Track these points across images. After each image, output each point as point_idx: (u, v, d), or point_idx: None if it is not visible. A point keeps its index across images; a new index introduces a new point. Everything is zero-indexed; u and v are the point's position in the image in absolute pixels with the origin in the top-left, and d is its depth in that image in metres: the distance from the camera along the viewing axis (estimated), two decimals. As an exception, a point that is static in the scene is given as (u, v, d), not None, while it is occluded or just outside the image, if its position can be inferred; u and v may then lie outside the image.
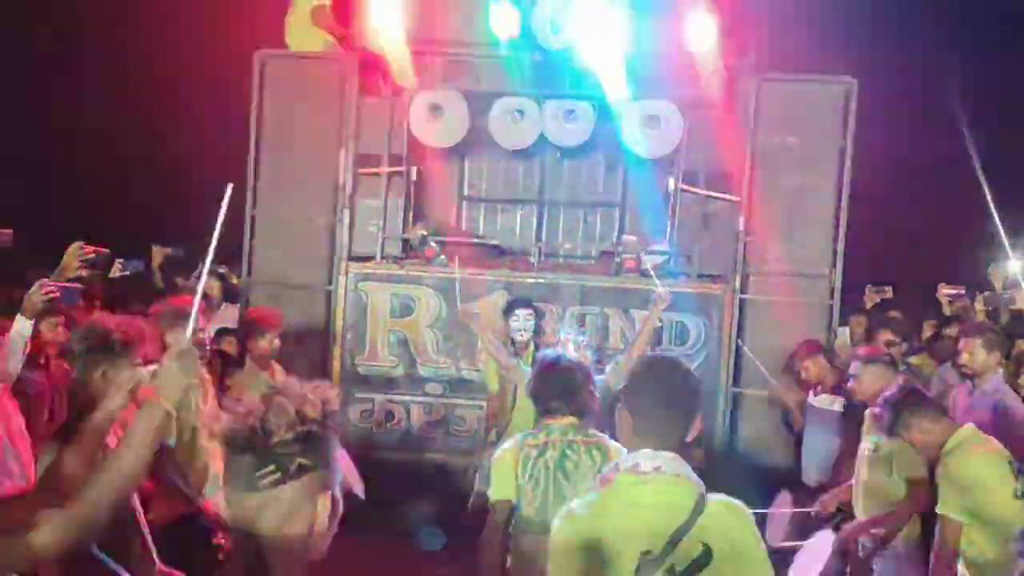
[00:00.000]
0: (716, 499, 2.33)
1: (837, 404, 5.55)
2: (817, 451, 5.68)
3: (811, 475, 5.68)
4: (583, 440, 3.54)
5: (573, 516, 2.36)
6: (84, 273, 4.27)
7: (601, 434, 3.63)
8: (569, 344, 5.23)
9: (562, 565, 2.34)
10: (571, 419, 3.59)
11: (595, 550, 2.27)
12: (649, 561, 2.20)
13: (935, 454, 3.98)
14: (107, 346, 3.22)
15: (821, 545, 4.38)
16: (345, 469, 4.66)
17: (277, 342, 5.60)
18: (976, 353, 5.09)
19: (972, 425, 4.04)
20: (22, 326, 3.85)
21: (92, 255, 4.22)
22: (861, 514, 4.59)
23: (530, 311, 5.87)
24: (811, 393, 5.79)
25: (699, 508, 2.26)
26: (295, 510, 1.64)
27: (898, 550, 4.49)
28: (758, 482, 5.95)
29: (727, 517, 2.31)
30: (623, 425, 2.46)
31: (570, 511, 2.38)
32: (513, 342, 5.80)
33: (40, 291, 3.85)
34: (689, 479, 2.32)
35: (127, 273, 6.85)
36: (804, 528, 4.89)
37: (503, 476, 3.56)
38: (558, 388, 3.61)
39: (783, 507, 5.19)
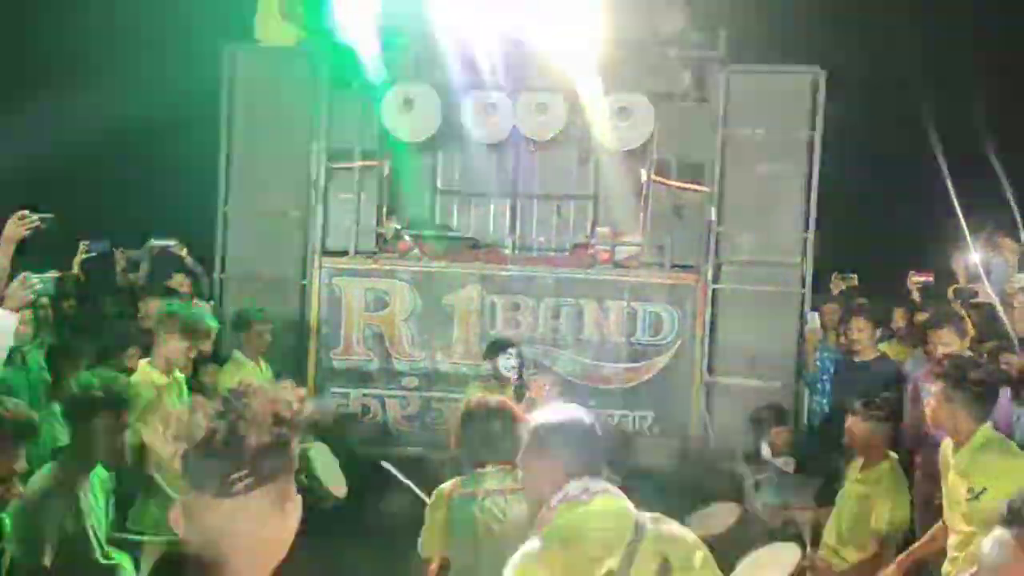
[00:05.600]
0: (648, 517, 2.46)
1: (790, 466, 5.67)
2: (765, 500, 5.73)
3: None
4: (511, 488, 3.38)
5: (537, 558, 2.42)
6: (25, 233, 4.28)
7: None
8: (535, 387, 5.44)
9: None
10: (500, 466, 3.44)
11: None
12: None
13: None
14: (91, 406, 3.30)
15: (786, 555, 4.31)
16: (326, 468, 4.57)
17: (268, 336, 5.71)
18: (950, 342, 5.15)
19: None
20: (7, 321, 3.81)
21: (38, 222, 4.25)
22: None
23: (516, 349, 6.07)
24: (767, 449, 5.89)
25: (642, 523, 2.40)
26: (266, 515, 1.61)
27: None
28: (731, 469, 6.05)
29: (671, 525, 2.47)
30: (542, 469, 2.57)
31: (529, 555, 2.44)
32: (497, 378, 5.98)
33: (23, 284, 3.83)
34: (620, 498, 2.49)
35: (93, 254, 6.81)
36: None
37: (432, 530, 3.49)
38: (481, 436, 3.49)
39: (728, 518, 5.16)
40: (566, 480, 2.50)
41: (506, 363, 6.01)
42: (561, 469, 2.52)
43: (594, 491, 2.47)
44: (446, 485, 3.53)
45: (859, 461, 4.68)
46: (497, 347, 6.12)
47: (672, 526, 2.48)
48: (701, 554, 2.44)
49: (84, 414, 3.34)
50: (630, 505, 2.49)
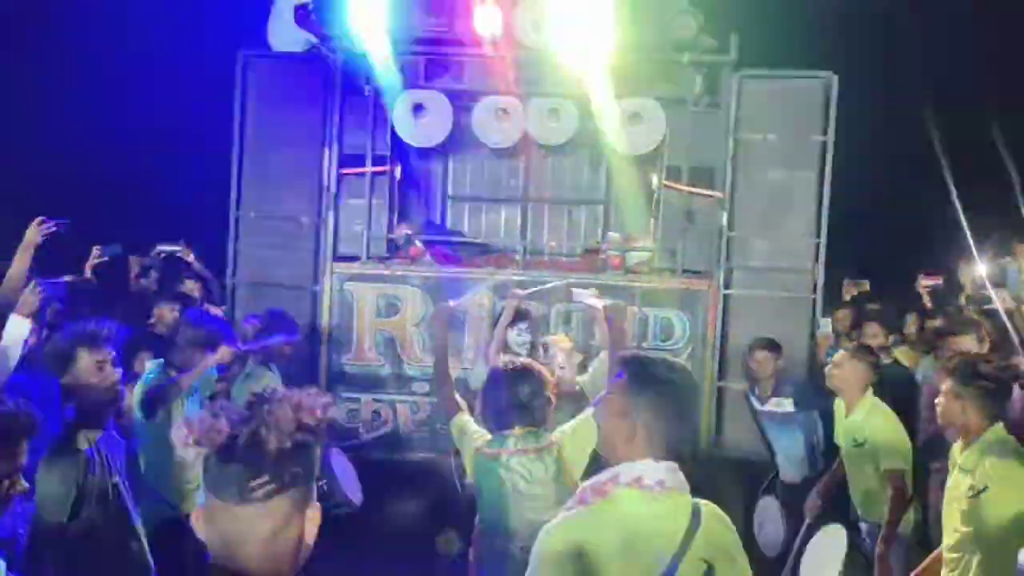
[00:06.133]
0: (705, 510, 2.22)
1: (787, 405, 5.66)
2: (789, 453, 5.75)
3: (790, 475, 5.75)
4: (534, 448, 3.42)
5: (566, 527, 2.19)
6: (41, 239, 4.39)
7: (554, 436, 3.50)
8: (555, 348, 5.27)
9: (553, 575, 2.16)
10: (525, 429, 3.46)
11: (591, 564, 2.11)
12: None
13: None
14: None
15: (836, 540, 4.32)
16: (343, 475, 4.59)
17: (288, 350, 5.75)
18: (970, 350, 5.13)
19: None
20: (20, 327, 3.87)
21: (54, 228, 4.37)
22: None
23: (528, 322, 5.92)
24: (756, 401, 5.88)
25: (695, 523, 2.16)
26: (286, 522, 1.60)
27: None
28: (742, 476, 6.03)
29: (719, 527, 2.24)
30: (620, 431, 2.23)
31: (561, 523, 2.21)
32: (507, 351, 5.81)
33: (35, 291, 3.92)
34: (687, 492, 2.22)
35: (105, 259, 6.84)
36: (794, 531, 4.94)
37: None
38: (508, 399, 3.47)
39: (771, 514, 5.22)
40: (644, 453, 2.20)
41: (517, 337, 5.83)
42: (641, 437, 2.21)
43: (670, 487, 2.18)
44: (474, 441, 3.56)
45: (842, 408, 4.74)
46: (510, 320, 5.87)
47: (722, 526, 2.26)
48: (742, 560, 2.28)
49: (64, 361, 3.39)
50: (687, 501, 2.22)
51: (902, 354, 6.69)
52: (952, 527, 3.69)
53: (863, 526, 4.74)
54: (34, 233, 4.33)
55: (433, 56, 7.02)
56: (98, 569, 3.19)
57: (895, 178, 9.84)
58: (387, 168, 7.00)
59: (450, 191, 7.65)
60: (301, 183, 6.89)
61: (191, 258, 7.35)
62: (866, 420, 4.65)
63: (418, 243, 6.97)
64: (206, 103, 7.56)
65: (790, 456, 5.75)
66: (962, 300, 7.17)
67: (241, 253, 6.92)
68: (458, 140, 7.11)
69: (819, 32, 8.27)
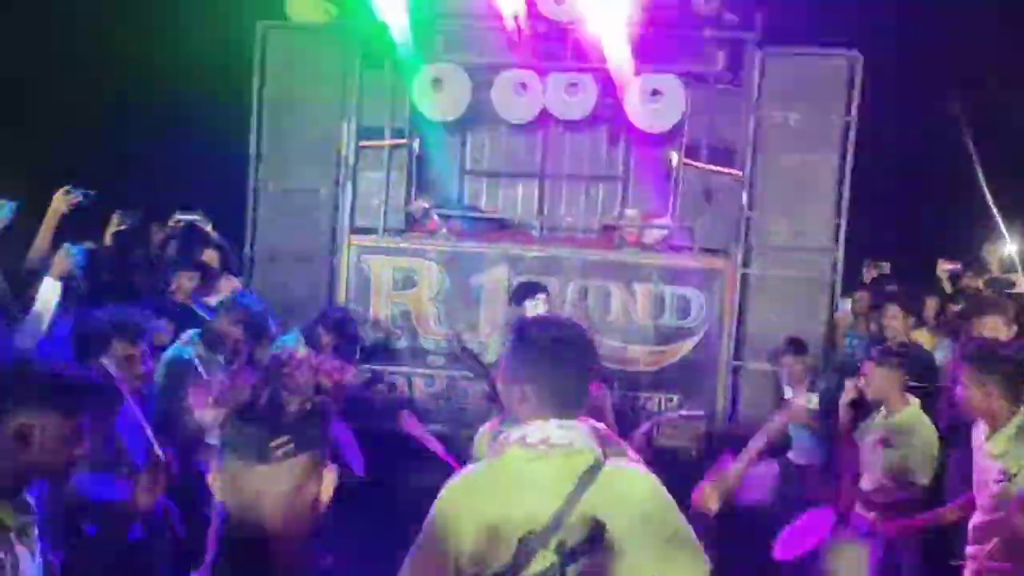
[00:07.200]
0: (613, 467, 2.11)
1: (813, 402, 5.60)
2: (802, 443, 5.72)
3: (798, 457, 5.73)
4: None
5: (459, 487, 2.14)
6: (67, 208, 4.49)
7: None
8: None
9: (436, 538, 2.07)
10: None
11: (474, 523, 2.05)
12: (531, 540, 2.00)
13: None
14: None
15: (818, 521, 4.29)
16: (346, 444, 4.58)
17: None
18: (999, 330, 5.06)
19: None
20: (52, 289, 3.96)
21: (80, 197, 4.49)
22: None
23: (545, 295, 5.78)
24: (788, 389, 5.82)
25: (587, 479, 2.06)
26: (304, 482, 1.63)
27: None
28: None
29: (625, 484, 2.10)
30: (511, 394, 2.19)
31: (457, 481, 2.16)
32: None
33: (67, 252, 4.03)
34: (584, 447, 2.11)
35: (126, 227, 6.88)
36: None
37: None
38: None
39: (766, 470, 5.18)
40: (534, 413, 2.13)
41: (534, 310, 5.68)
42: (530, 398, 2.15)
43: (557, 444, 2.08)
44: (487, 424, 3.45)
45: (881, 411, 4.66)
46: (525, 291, 5.81)
47: (632, 488, 2.11)
48: (658, 528, 2.09)
49: (97, 348, 3.35)
50: (582, 456, 2.09)
51: (922, 336, 6.64)
52: (981, 511, 3.69)
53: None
54: (60, 202, 4.42)
55: (453, 29, 6.98)
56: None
57: (918, 159, 9.73)
58: (406, 141, 7.00)
59: (468, 165, 7.64)
60: (319, 155, 6.90)
61: (208, 227, 7.36)
62: (902, 425, 4.54)
63: (435, 217, 6.96)
64: (226, 73, 7.55)
65: (800, 445, 5.73)
66: (980, 283, 7.09)
67: (259, 224, 6.96)
68: (476, 114, 7.09)
69: (844, 9, 8.14)
